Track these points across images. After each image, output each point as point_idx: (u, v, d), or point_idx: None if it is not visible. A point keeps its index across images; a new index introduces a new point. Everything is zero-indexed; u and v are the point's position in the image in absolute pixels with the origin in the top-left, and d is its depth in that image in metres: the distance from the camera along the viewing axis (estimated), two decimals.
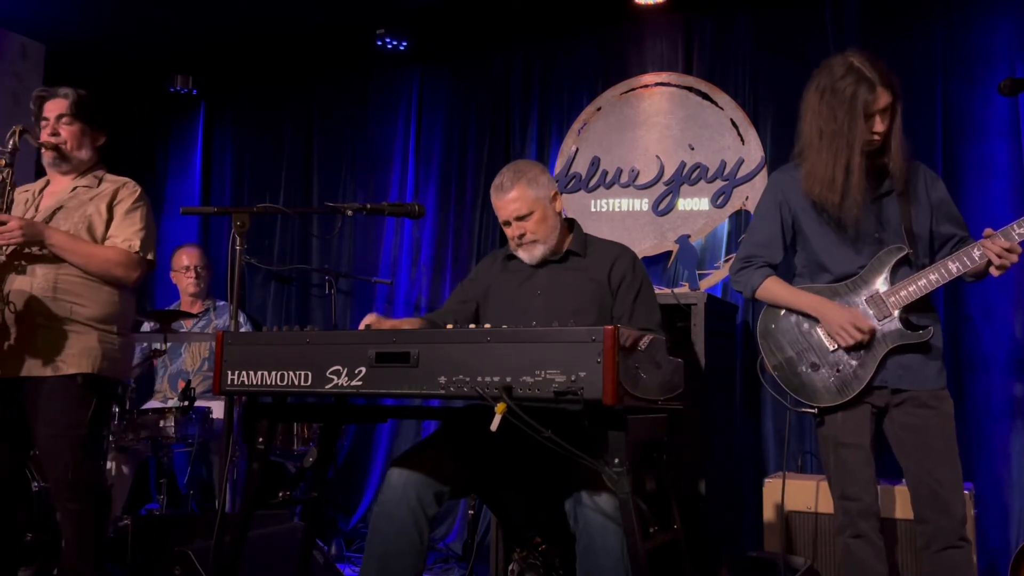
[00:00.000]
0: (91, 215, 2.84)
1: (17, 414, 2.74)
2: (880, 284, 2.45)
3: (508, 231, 2.70)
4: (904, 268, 2.46)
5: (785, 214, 2.60)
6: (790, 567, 2.94)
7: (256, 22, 4.90)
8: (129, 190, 2.92)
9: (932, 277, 2.40)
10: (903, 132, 2.46)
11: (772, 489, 3.29)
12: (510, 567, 2.70)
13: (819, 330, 2.49)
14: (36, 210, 2.88)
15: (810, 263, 2.58)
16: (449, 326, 2.23)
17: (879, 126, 2.42)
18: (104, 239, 2.85)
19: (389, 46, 4.94)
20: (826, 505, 3.12)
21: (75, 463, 2.67)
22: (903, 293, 2.42)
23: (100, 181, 2.94)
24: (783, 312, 2.56)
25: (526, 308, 2.62)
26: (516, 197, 2.64)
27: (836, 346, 2.46)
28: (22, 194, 2.94)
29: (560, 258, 2.72)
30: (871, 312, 2.45)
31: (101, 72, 5.31)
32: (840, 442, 2.45)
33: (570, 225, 2.79)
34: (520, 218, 2.65)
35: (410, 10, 4.72)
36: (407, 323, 2.52)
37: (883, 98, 2.40)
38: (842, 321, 2.43)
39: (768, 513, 3.28)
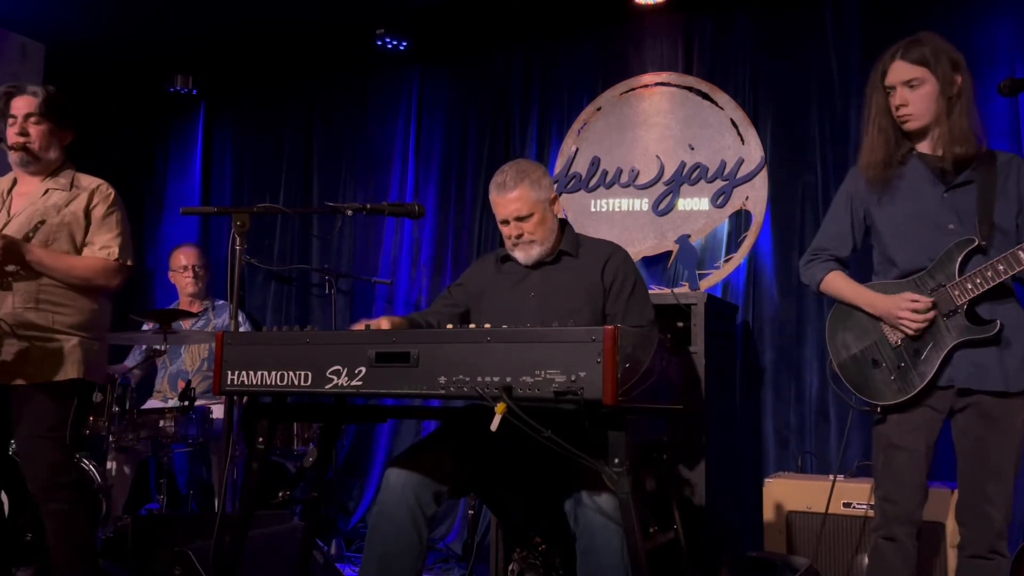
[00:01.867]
0: (70, 223, 2.83)
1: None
2: (947, 277, 2.36)
3: (505, 229, 2.70)
4: (977, 258, 2.36)
5: (856, 207, 2.55)
6: (790, 567, 2.94)
7: (256, 22, 4.90)
8: (103, 194, 2.89)
9: (1000, 267, 2.29)
10: (969, 119, 2.35)
11: (772, 489, 3.29)
12: (510, 567, 2.70)
13: (883, 326, 2.43)
14: (8, 213, 2.86)
15: (882, 259, 2.52)
16: (449, 326, 2.22)
17: (897, 98, 2.37)
18: (83, 245, 2.85)
19: (389, 46, 4.94)
20: (826, 505, 3.12)
21: (56, 465, 2.71)
22: (969, 285, 2.32)
23: (72, 183, 2.90)
24: (850, 309, 2.50)
25: (519, 309, 2.62)
26: (518, 197, 2.64)
27: (898, 341, 2.39)
28: None
29: (553, 259, 2.72)
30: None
31: (101, 72, 5.31)
32: (892, 443, 2.40)
33: (561, 226, 2.79)
34: (520, 218, 2.65)
35: (410, 10, 4.72)
36: (385, 321, 2.45)
37: (900, 70, 2.36)
38: (897, 311, 2.36)
39: (768, 513, 3.28)
